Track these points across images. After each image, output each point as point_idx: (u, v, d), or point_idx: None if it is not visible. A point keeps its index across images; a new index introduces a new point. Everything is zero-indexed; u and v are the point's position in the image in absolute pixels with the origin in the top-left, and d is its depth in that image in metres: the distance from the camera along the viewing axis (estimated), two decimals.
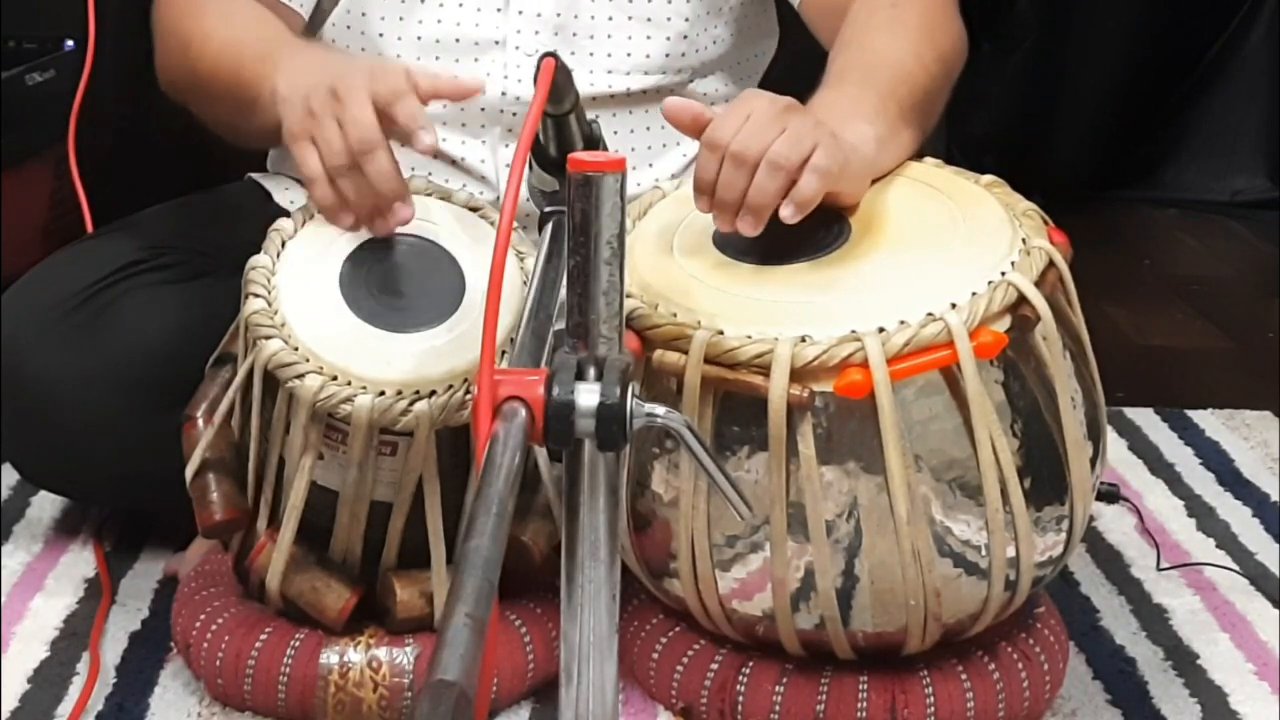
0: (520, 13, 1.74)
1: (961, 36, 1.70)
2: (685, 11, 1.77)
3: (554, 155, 1.44)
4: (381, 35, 1.76)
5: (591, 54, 1.75)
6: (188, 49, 1.68)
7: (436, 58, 1.75)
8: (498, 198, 1.74)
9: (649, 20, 1.76)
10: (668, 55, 1.77)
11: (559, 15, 1.74)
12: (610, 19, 1.75)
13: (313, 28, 1.78)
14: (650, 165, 1.80)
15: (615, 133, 1.76)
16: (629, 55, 1.76)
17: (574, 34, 1.75)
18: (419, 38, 1.75)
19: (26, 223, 2.27)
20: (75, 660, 1.66)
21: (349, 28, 1.77)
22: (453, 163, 1.76)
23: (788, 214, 1.43)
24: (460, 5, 1.74)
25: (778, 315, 1.42)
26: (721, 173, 1.44)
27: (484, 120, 1.76)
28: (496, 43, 1.74)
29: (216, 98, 1.64)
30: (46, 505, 1.96)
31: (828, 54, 1.69)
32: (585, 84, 1.72)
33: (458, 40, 1.75)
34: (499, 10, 1.74)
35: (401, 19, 1.75)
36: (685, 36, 1.78)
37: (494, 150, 1.76)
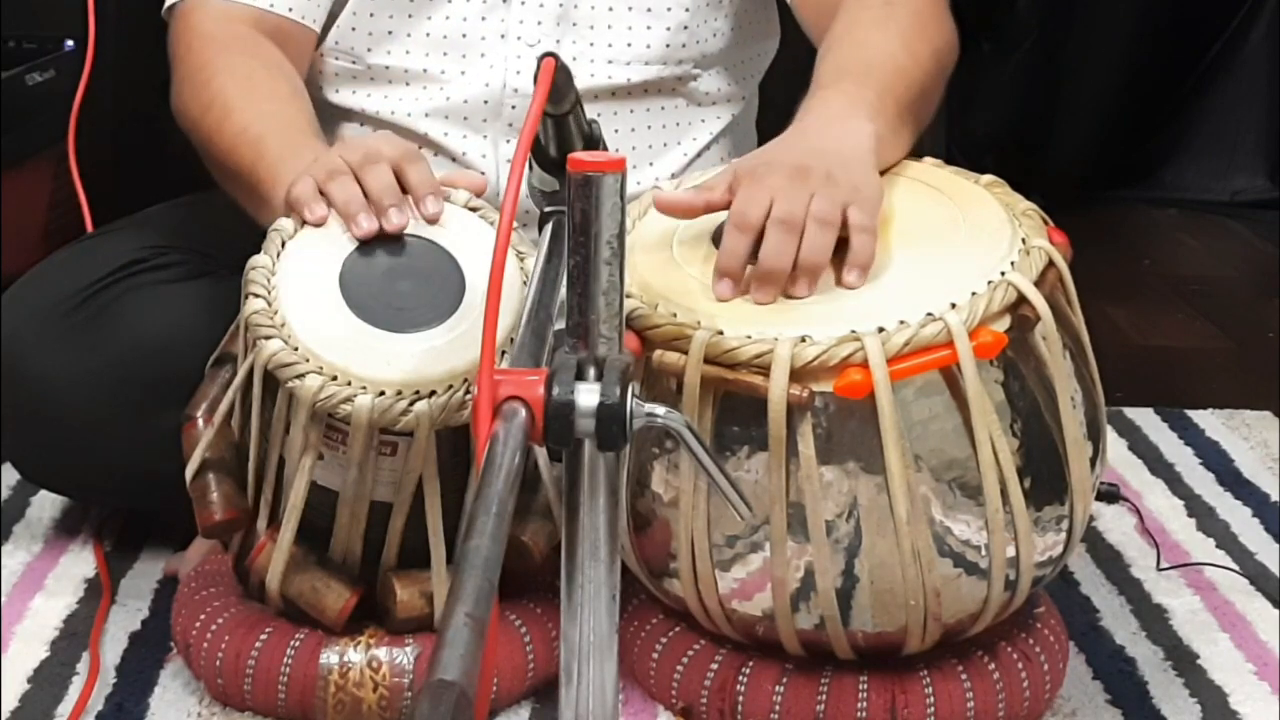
0: (522, 3, 1.74)
1: (953, 32, 1.70)
2: (685, 2, 1.78)
3: (554, 155, 1.44)
4: (390, 33, 1.76)
5: (592, 44, 1.76)
6: (207, 112, 1.66)
7: (444, 54, 1.75)
8: (497, 194, 1.74)
9: (649, 10, 1.77)
10: (668, 45, 1.78)
11: (560, 5, 1.75)
12: (610, 9, 1.76)
13: (322, 35, 1.79)
14: (650, 164, 1.80)
15: (616, 131, 1.77)
16: (629, 45, 1.77)
17: (574, 24, 1.76)
18: (427, 34, 1.76)
19: (26, 223, 2.27)
20: (75, 660, 1.66)
21: (354, 30, 1.77)
22: (453, 159, 1.77)
23: (853, 278, 1.43)
24: (467, 1, 1.75)
25: (777, 315, 1.42)
26: (767, 243, 1.42)
27: (486, 114, 1.76)
28: (501, 36, 1.75)
29: (230, 176, 1.64)
30: (46, 505, 1.96)
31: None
32: (586, 75, 1.73)
33: (464, 36, 1.75)
34: (503, 2, 1.75)
35: (410, 17, 1.76)
36: (685, 27, 1.78)
37: (495, 145, 1.77)
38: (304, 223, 1.50)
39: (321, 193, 1.50)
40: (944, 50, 1.67)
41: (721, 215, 1.52)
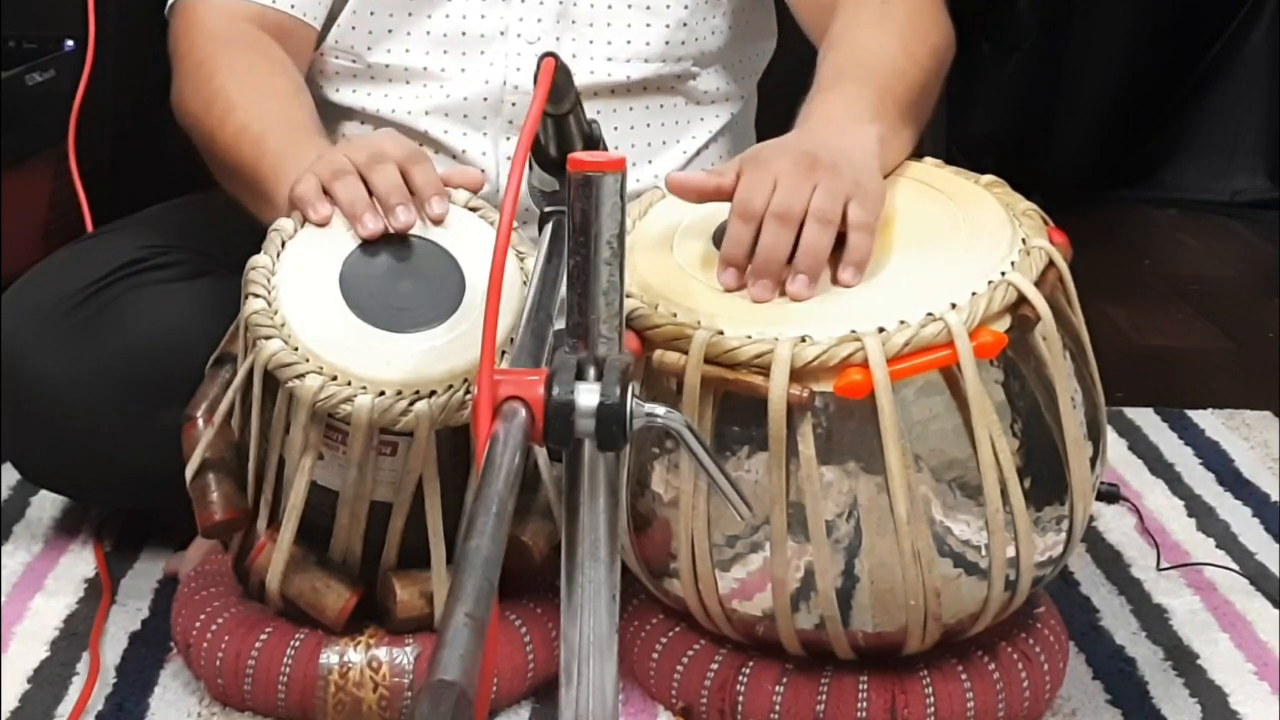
0: (522, 1, 1.75)
1: (950, 29, 1.70)
2: (685, 0, 1.78)
3: (554, 155, 1.44)
4: (390, 32, 1.76)
5: (591, 41, 1.76)
6: (209, 109, 1.66)
7: (444, 51, 1.76)
8: (497, 191, 1.75)
9: (648, 8, 1.77)
10: (667, 43, 1.78)
11: (560, 3, 1.75)
12: (610, 7, 1.76)
13: (320, 33, 1.79)
14: (650, 162, 1.80)
15: (615, 129, 1.77)
16: (629, 43, 1.77)
17: (574, 21, 1.76)
18: (428, 32, 1.76)
19: (26, 223, 2.27)
20: (75, 660, 1.66)
21: (354, 29, 1.77)
22: (453, 157, 1.77)
23: (848, 276, 1.43)
24: None
25: (777, 315, 1.42)
26: (764, 235, 1.42)
27: (485, 111, 1.76)
28: (500, 33, 1.75)
29: (231, 174, 1.64)
30: (46, 505, 1.96)
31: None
32: (585, 73, 1.74)
33: (464, 34, 1.75)
34: (504, 1, 1.75)
35: (410, 15, 1.76)
36: (685, 24, 1.78)
37: (495, 143, 1.77)
38: (306, 222, 1.50)
39: (326, 192, 1.50)
40: (942, 48, 1.67)
41: (722, 214, 1.52)
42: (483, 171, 1.76)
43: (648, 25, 1.77)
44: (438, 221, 1.51)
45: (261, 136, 1.60)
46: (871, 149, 1.50)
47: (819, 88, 1.58)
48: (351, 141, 1.55)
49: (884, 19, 1.64)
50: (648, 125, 1.80)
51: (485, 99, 1.76)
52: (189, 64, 1.71)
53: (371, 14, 1.77)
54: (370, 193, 1.49)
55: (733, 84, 1.85)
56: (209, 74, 1.68)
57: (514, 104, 1.75)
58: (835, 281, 1.44)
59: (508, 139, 1.76)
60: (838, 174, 1.44)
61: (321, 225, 1.49)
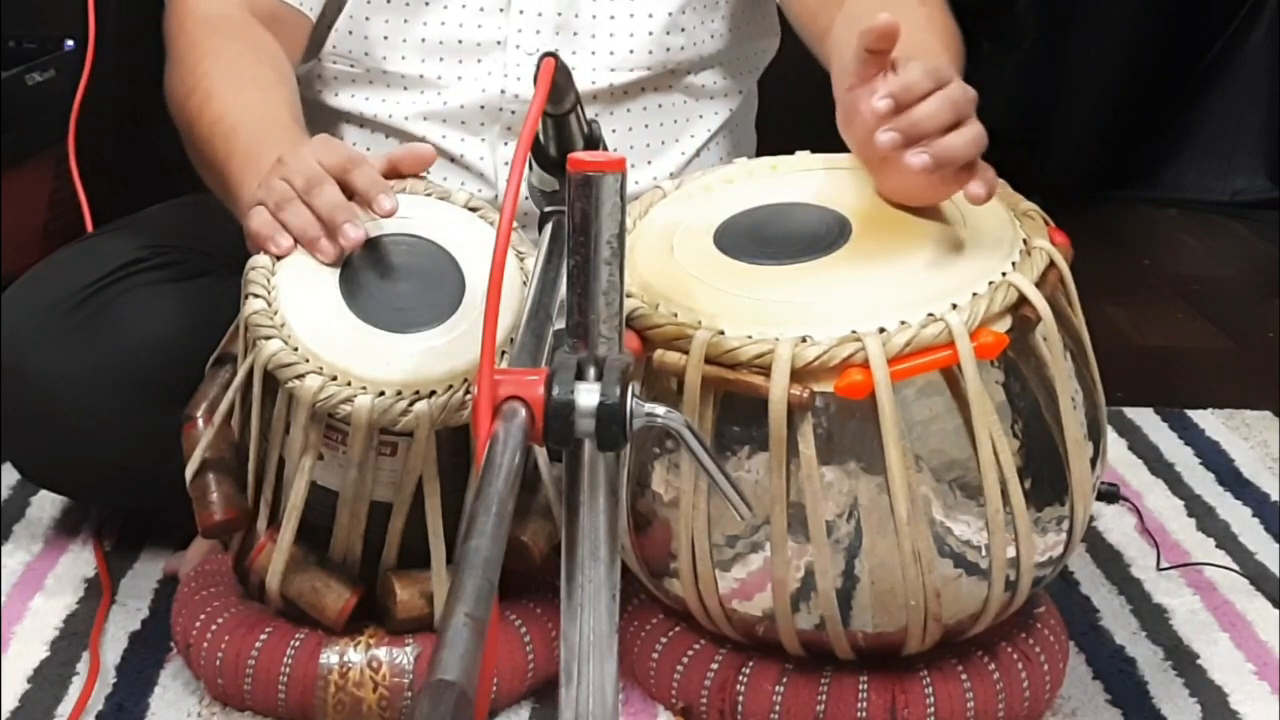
0: (521, 12, 1.75)
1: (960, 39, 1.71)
2: (682, 5, 1.78)
3: (554, 155, 1.44)
4: (386, 38, 1.76)
5: (593, 52, 1.76)
6: (190, 96, 1.66)
7: (440, 59, 1.76)
8: (496, 196, 1.75)
9: (650, 16, 1.77)
10: (668, 50, 1.78)
11: (559, 14, 1.75)
12: (612, 17, 1.76)
13: (318, 34, 1.78)
14: (649, 163, 1.80)
15: (615, 131, 1.77)
16: (631, 52, 1.77)
17: (575, 33, 1.76)
18: (423, 40, 1.76)
19: (26, 223, 2.27)
20: (75, 660, 1.66)
21: (351, 33, 1.77)
22: (451, 160, 1.77)
23: (982, 193, 1.44)
24: (463, 6, 1.75)
25: (778, 315, 1.42)
26: (929, 102, 1.41)
27: (483, 118, 1.76)
28: (498, 43, 1.75)
29: (205, 165, 1.64)
30: (46, 505, 1.96)
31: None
32: (586, 81, 1.74)
33: (460, 42, 1.75)
34: (501, 10, 1.75)
35: (406, 21, 1.76)
36: (683, 30, 1.79)
37: (493, 148, 1.77)
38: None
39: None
40: (961, 55, 1.68)
41: (723, 214, 1.52)
42: (480, 175, 1.76)
43: (650, 33, 1.77)
44: (389, 215, 1.48)
45: (234, 131, 1.60)
46: None
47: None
48: (286, 163, 1.50)
49: (930, 23, 1.64)
50: (646, 126, 1.80)
51: (482, 106, 1.76)
52: (178, 49, 1.71)
53: (367, 19, 1.77)
54: (316, 217, 1.47)
55: (730, 79, 1.85)
56: (194, 61, 1.68)
57: (513, 111, 1.75)
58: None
59: (505, 144, 1.76)
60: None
61: (284, 257, 1.48)
